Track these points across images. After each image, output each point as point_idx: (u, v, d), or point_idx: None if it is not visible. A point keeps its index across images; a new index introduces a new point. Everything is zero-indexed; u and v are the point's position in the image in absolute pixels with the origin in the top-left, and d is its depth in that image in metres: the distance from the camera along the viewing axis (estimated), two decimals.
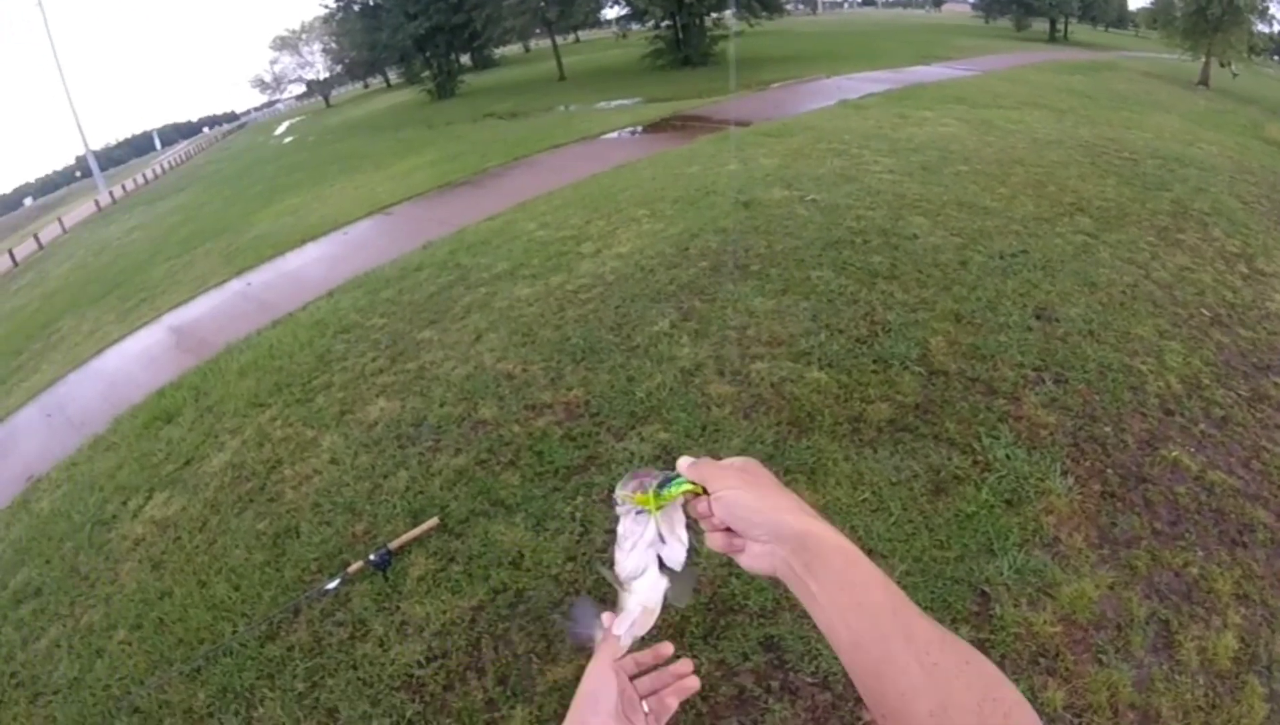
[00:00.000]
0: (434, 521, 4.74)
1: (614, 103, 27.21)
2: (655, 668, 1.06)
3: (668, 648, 1.08)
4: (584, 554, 4.40)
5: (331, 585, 4.46)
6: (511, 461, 5.18)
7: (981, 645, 3.86)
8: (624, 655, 1.01)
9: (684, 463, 1.00)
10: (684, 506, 0.99)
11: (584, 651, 1.02)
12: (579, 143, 18.83)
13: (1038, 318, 6.34)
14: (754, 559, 0.93)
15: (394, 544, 4.60)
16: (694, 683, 1.04)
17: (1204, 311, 6.85)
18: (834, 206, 8.62)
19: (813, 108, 18.06)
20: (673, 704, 1.03)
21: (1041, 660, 3.86)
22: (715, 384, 5.62)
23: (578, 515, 4.64)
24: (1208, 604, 4.27)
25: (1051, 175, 10.34)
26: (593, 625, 1.03)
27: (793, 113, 17.35)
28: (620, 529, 0.99)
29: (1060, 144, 12.46)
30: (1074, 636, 3.99)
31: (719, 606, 4.06)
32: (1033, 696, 3.65)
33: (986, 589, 4.13)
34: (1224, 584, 4.36)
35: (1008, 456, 4.88)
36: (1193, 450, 5.21)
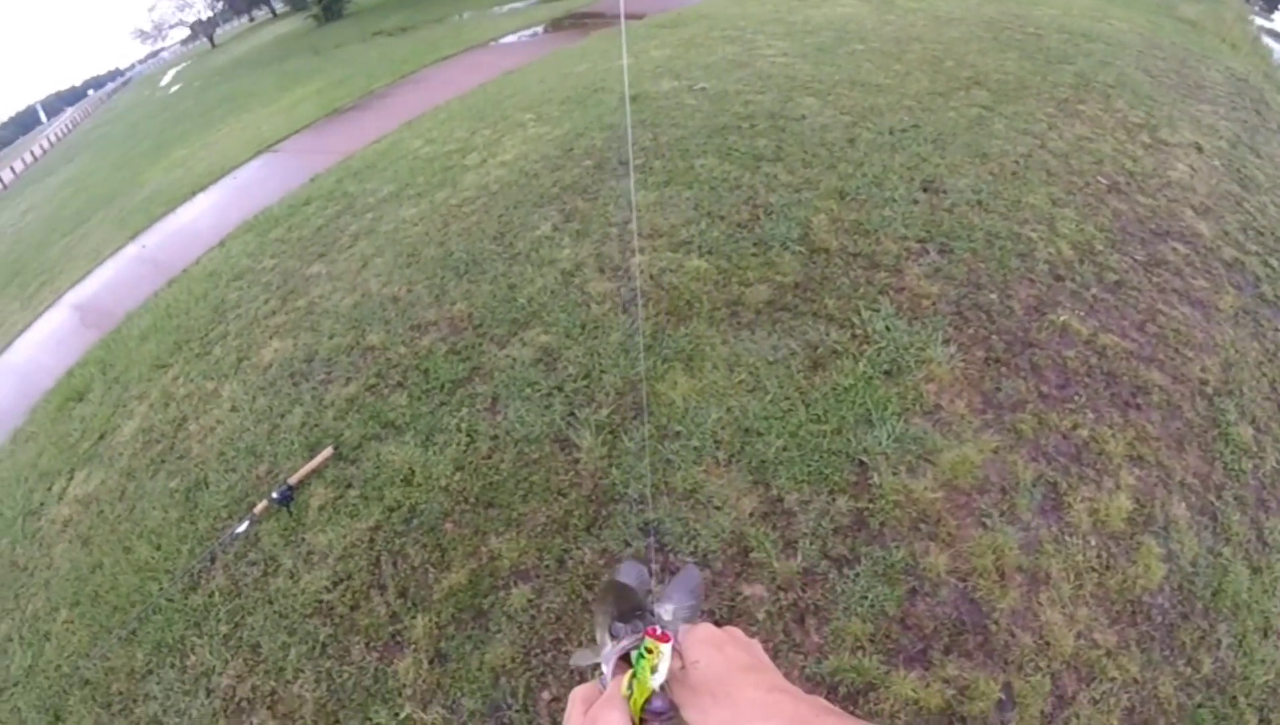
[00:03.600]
0: (329, 451, 4.96)
1: (508, 7, 26.55)
2: None
3: None
4: (470, 463, 4.59)
5: (241, 528, 4.71)
6: (399, 383, 5.34)
7: (859, 514, 3.93)
8: None
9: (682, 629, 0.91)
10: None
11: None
12: (470, 52, 18.59)
13: (924, 190, 6.41)
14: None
15: (294, 479, 4.83)
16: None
17: (1101, 180, 6.94)
18: (722, 94, 8.60)
19: None
20: None
21: (922, 526, 4.02)
22: (595, 282, 5.68)
23: (463, 427, 4.82)
24: (1099, 466, 4.45)
25: (950, 51, 10.38)
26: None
27: (690, 2, 17.14)
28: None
29: (962, 21, 12.47)
30: (956, 502, 4.16)
31: (600, 497, 4.23)
32: (914, 562, 3.83)
33: (865, 459, 4.27)
34: (1116, 446, 4.53)
35: (887, 328, 4.99)
36: (1083, 315, 5.37)
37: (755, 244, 5.79)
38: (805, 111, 7.87)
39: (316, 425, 5.26)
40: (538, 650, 3.67)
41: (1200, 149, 8.07)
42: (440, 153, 9.11)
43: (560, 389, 4.86)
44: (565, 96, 9.66)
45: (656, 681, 0.82)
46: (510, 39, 19.60)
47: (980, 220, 6.07)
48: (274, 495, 4.68)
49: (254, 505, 4.80)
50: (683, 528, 3.95)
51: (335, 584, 4.22)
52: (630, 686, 0.83)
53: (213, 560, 4.68)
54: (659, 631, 0.86)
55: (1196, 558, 4.07)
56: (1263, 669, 3.80)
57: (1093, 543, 4.02)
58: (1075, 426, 4.57)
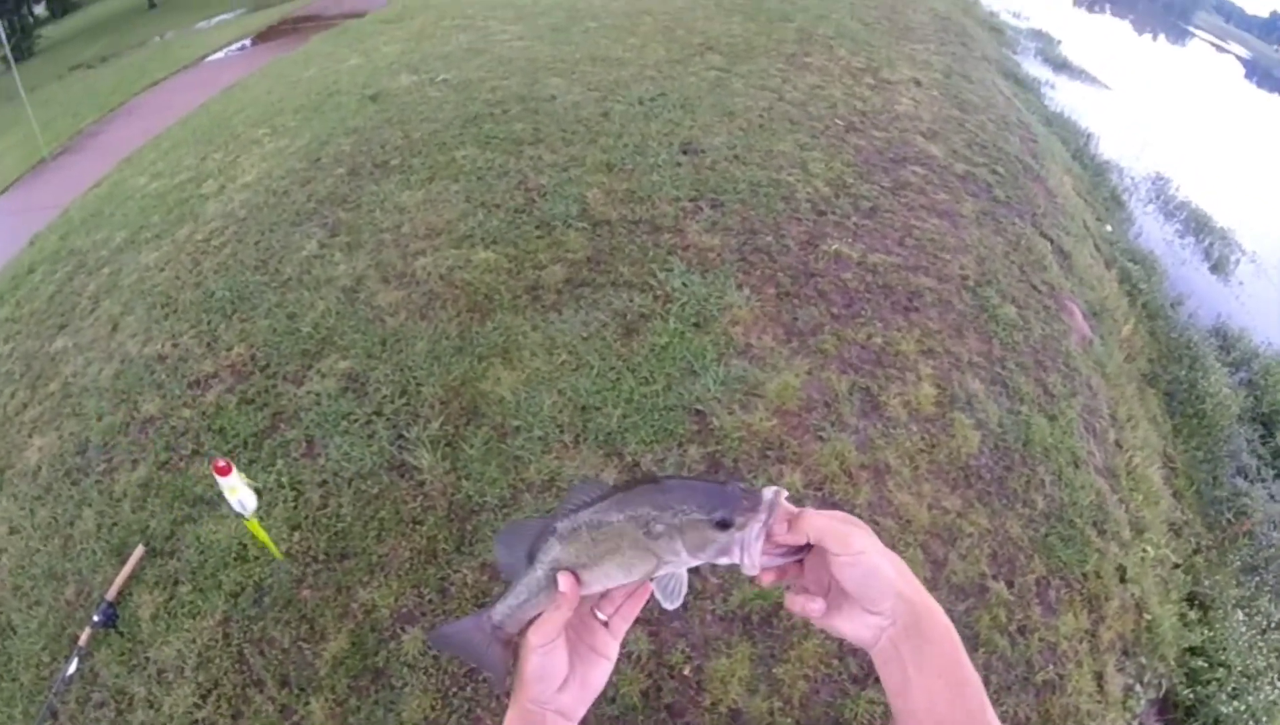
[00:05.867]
0: (140, 551, 4.40)
1: (215, 20, 24.96)
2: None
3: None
4: (306, 518, 4.27)
5: (71, 669, 4.05)
6: (195, 451, 4.85)
7: (712, 457, 4.22)
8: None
9: (785, 506, 0.92)
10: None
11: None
12: (183, 72, 17.29)
13: (684, 152, 6.90)
14: (856, 628, 0.91)
15: (111, 594, 4.23)
16: (647, 589, 0.99)
17: (838, 121, 7.77)
18: (467, 82, 8.67)
19: None
20: (631, 611, 1.01)
21: (770, 453, 4.42)
22: (383, 293, 5.54)
23: (284, 481, 4.46)
24: (899, 365, 5.10)
25: (680, 20, 11.11)
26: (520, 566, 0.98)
27: None
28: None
29: None
30: (790, 424, 4.60)
31: (459, 513, 4.18)
32: (797, 461, 4.27)
33: (700, 407, 4.61)
34: (908, 345, 5.19)
35: (684, 284, 5.36)
36: (850, 241, 6.08)
37: (538, 226, 5.96)
38: (554, 91, 8.15)
39: (115, 523, 4.65)
40: (454, 688, 3.56)
41: (919, 83, 9.33)
42: (172, 186, 8.41)
43: (379, 413, 4.69)
44: (298, 105, 9.26)
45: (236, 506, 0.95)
46: (222, 54, 18.47)
47: (741, 173, 6.67)
48: (95, 619, 4.11)
49: (76, 637, 4.18)
50: None
51: (204, 697, 3.78)
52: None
53: (54, 715, 4.02)
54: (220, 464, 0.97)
55: (1001, 419, 4.80)
56: (1084, 492, 4.64)
57: (914, 429, 4.62)
58: (870, 336, 5.20)
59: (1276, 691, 5.14)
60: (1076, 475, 4.75)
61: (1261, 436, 7.94)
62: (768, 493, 0.90)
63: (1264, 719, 4.85)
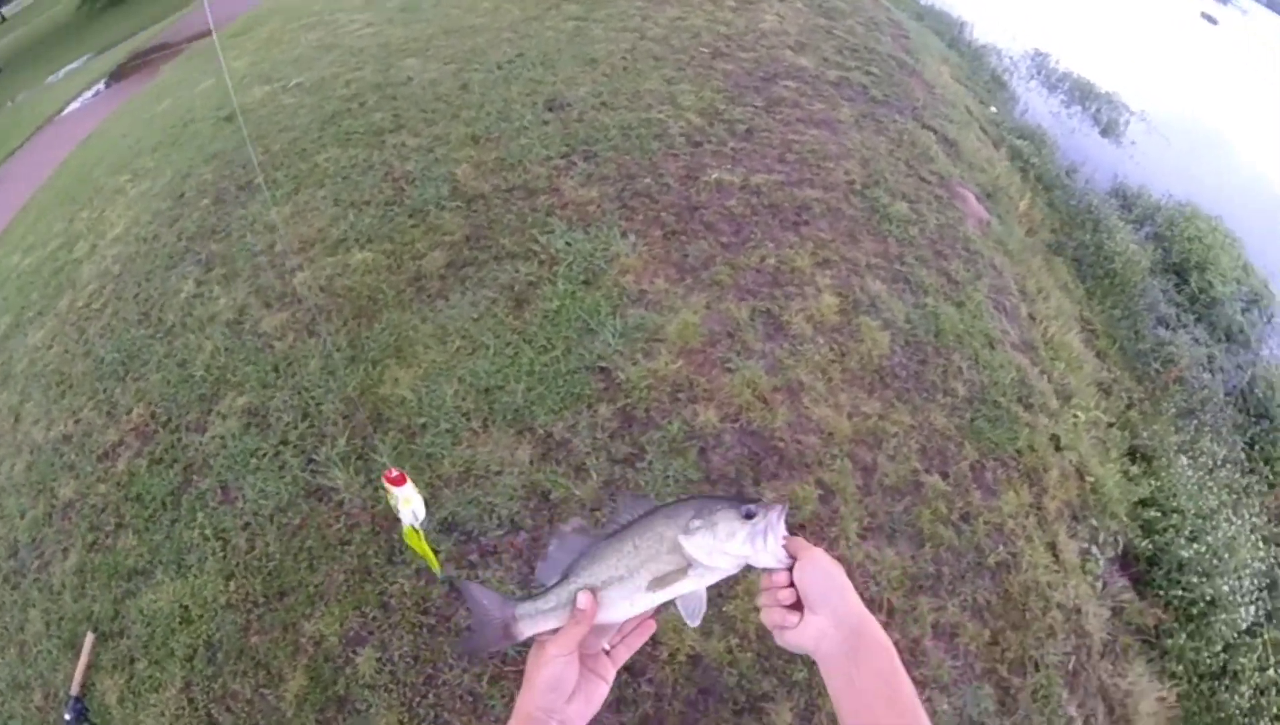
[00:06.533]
0: (90, 639, 4.30)
1: (63, 71, 23.89)
2: None
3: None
4: (238, 565, 4.16)
5: None
6: (119, 524, 4.71)
7: (624, 412, 4.17)
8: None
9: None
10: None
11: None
12: (39, 133, 16.47)
13: (550, 110, 6.73)
14: (802, 635, 1.08)
15: (74, 689, 4.15)
16: (653, 624, 1.19)
17: (703, 49, 7.65)
18: (321, 82, 8.34)
19: None
20: (636, 642, 1.18)
21: (681, 395, 4.32)
22: (267, 318, 5.35)
23: (208, 533, 4.33)
24: (796, 281, 5.03)
25: None
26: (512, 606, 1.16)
27: (252, 4, 16.50)
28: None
29: None
30: (696, 362, 4.51)
31: (384, 524, 4.09)
32: (691, 427, 4.12)
33: (603, 364, 4.49)
34: (802, 260, 5.13)
35: (568, 243, 5.24)
36: (730, 167, 5.98)
37: (411, 215, 5.74)
38: (410, 73, 7.87)
39: (61, 617, 4.54)
40: (418, 699, 3.50)
41: None
42: (45, 257, 7.99)
43: (285, 443, 4.55)
44: (156, 143, 8.84)
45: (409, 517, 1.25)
46: (78, 103, 17.63)
47: (610, 119, 6.50)
48: (67, 718, 4.05)
49: None
50: (477, 508, 3.93)
51: None
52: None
53: None
54: (393, 474, 1.23)
55: (908, 315, 4.77)
56: (1004, 371, 4.65)
57: (821, 342, 4.56)
58: (763, 259, 5.13)
59: (1234, 527, 5.25)
60: (994, 355, 4.75)
61: (1176, 285, 8.12)
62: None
63: (1225, 555, 4.95)
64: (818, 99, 6.92)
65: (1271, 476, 6.57)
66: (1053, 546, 4.17)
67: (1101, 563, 4.41)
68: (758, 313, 4.72)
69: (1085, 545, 4.37)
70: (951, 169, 6.46)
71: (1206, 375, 7.13)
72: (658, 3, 8.92)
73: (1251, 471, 6.45)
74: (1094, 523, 4.51)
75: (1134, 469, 5.30)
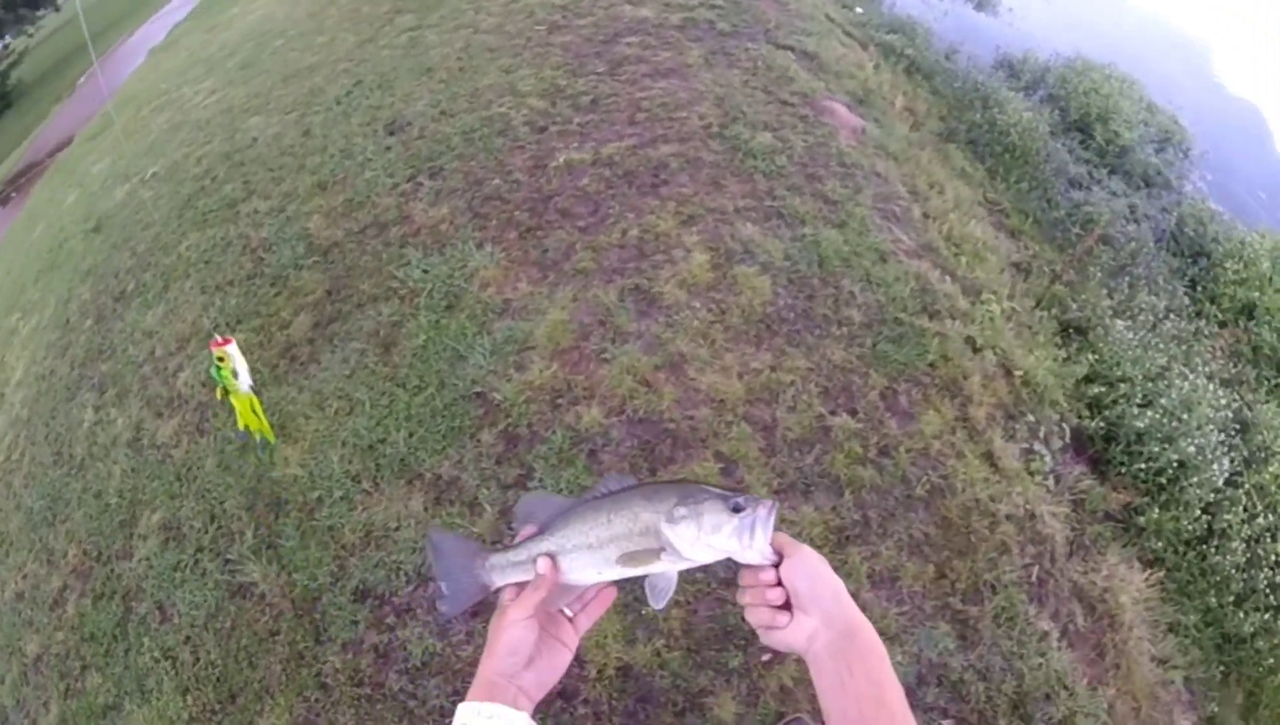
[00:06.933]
0: None
1: None
2: None
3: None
4: (189, 683, 4.08)
5: None
6: (83, 665, 4.62)
7: (507, 434, 4.00)
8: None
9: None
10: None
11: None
12: None
13: (390, 134, 6.43)
14: (793, 634, 1.07)
15: None
16: (614, 592, 1.20)
17: (539, 28, 7.32)
18: (174, 166, 8.03)
19: (126, 74, 16.87)
20: (597, 611, 1.20)
21: (561, 401, 4.05)
22: (161, 428, 5.18)
23: (158, 655, 4.24)
24: (663, 247, 4.77)
25: None
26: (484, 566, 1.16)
27: (105, 98, 16.11)
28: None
29: None
30: (571, 361, 4.24)
31: (305, 607, 3.95)
32: (574, 431, 3.90)
33: (478, 389, 4.22)
34: (666, 222, 4.88)
35: (425, 271, 4.99)
36: (579, 144, 5.68)
37: (272, 284, 5.48)
38: (254, 133, 7.55)
39: None
40: None
41: None
42: None
43: (200, 549, 4.42)
44: (37, 272, 8.59)
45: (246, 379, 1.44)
46: None
47: (451, 127, 6.19)
48: None
49: None
50: (384, 569, 3.77)
51: None
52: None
53: None
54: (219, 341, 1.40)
55: (786, 252, 4.49)
56: (900, 284, 4.41)
57: (698, 305, 4.29)
58: (624, 233, 4.85)
59: (1188, 381, 4.99)
60: (887, 270, 4.49)
61: (1081, 142, 7.89)
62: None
63: (1184, 414, 4.71)
64: (663, 48, 6.61)
65: (1219, 313, 6.36)
66: (989, 456, 3.92)
67: (1049, 458, 4.16)
68: (627, 291, 4.45)
69: (1026, 445, 4.12)
70: (815, 84, 6.16)
71: (1132, 226, 6.91)
72: None
73: (1198, 314, 6.24)
74: (1032, 418, 4.26)
75: (1069, 347, 5.06)
